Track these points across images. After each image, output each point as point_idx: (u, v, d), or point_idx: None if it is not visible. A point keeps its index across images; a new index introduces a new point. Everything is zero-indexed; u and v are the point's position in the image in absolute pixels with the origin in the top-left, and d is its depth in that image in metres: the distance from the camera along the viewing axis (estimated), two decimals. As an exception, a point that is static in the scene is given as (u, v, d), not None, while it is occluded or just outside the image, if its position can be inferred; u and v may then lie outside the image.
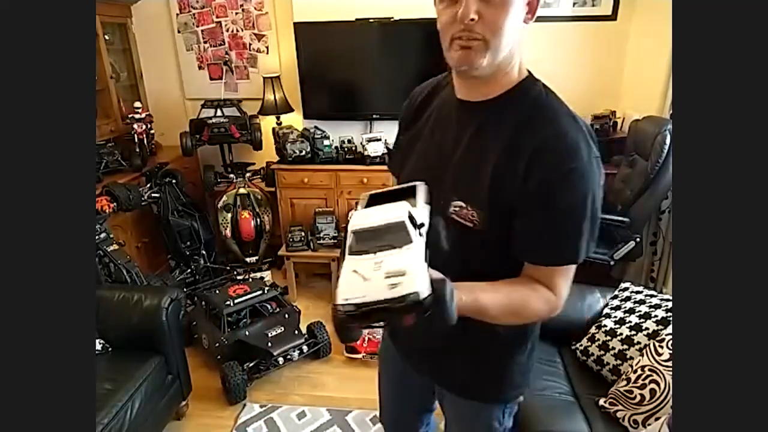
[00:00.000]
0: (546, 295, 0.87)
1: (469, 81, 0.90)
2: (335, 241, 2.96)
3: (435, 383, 1.18)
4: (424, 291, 0.65)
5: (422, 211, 0.77)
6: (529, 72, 0.92)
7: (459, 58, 0.83)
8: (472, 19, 0.79)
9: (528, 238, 0.87)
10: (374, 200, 0.83)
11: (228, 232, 3.20)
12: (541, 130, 0.84)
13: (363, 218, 0.75)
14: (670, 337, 1.48)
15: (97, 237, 2.44)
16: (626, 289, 1.87)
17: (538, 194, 0.83)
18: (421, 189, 0.84)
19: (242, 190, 3.23)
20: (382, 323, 0.72)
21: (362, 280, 0.68)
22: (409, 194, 0.82)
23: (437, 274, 0.71)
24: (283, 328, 2.38)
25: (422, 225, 0.74)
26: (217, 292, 2.54)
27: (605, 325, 1.72)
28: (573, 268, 0.89)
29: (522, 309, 0.87)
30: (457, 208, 0.90)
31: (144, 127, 3.02)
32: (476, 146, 0.90)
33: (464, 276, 0.81)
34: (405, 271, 0.66)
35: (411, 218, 0.73)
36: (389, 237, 0.71)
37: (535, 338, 1.06)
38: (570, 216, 0.84)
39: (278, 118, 3.25)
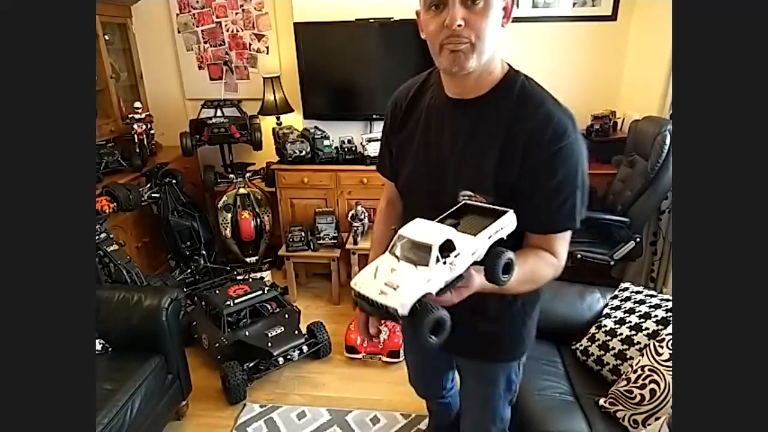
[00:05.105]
0: (550, 259, 0.98)
1: (458, 80, 0.97)
2: (335, 241, 2.97)
3: (462, 358, 1.28)
4: (402, 310, 0.73)
5: (472, 241, 0.81)
6: (509, 65, 1.00)
7: (450, 61, 0.91)
8: (459, 25, 0.86)
9: (530, 212, 0.94)
10: (461, 208, 0.93)
11: (228, 232, 3.20)
12: (532, 115, 0.93)
13: (414, 228, 0.82)
14: (670, 337, 1.47)
15: (97, 237, 2.44)
16: (626, 289, 1.87)
17: (536, 172, 0.93)
18: (506, 218, 0.87)
19: (242, 190, 3.23)
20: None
21: (373, 275, 0.79)
22: (495, 215, 0.88)
23: (437, 307, 0.75)
24: (283, 328, 2.38)
25: (458, 254, 0.79)
26: (217, 292, 2.54)
27: (605, 325, 1.72)
28: (569, 233, 1.00)
29: (534, 276, 0.97)
30: (465, 197, 0.98)
31: (144, 127, 3.02)
32: (475, 140, 0.99)
33: None
34: (398, 287, 0.75)
35: (446, 245, 0.78)
36: (416, 253, 0.78)
37: (539, 298, 1.20)
38: (564, 188, 0.94)
39: (278, 118, 3.25)
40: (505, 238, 0.87)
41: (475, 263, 0.83)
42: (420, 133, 1.07)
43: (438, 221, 0.88)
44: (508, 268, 0.82)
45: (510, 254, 0.82)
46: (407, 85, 1.14)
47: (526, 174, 0.94)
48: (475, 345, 1.17)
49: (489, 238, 0.84)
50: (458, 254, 0.79)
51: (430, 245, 0.77)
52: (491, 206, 0.91)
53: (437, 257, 0.77)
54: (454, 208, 0.93)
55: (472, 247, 0.81)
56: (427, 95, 1.08)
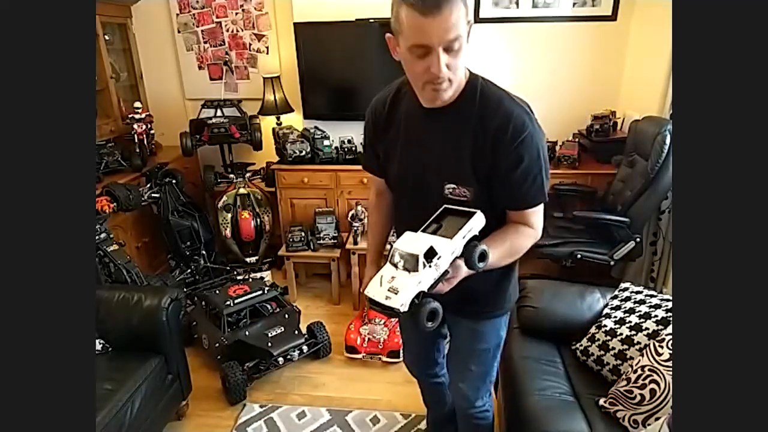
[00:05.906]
0: (527, 231, 1.17)
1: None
2: (335, 241, 2.97)
3: (453, 316, 1.38)
4: (402, 308, 0.96)
5: (448, 244, 1.01)
6: (468, 70, 1.13)
7: (432, 98, 1.08)
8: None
9: (506, 194, 1.14)
10: (443, 213, 1.11)
11: (228, 232, 3.20)
12: (494, 116, 1.09)
13: (405, 241, 1.03)
14: (670, 337, 1.47)
15: (97, 237, 2.44)
16: (626, 289, 1.87)
17: (506, 162, 1.09)
18: (475, 218, 1.07)
19: (242, 190, 3.23)
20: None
21: (379, 283, 1.01)
22: (468, 216, 1.07)
23: (431, 300, 0.99)
24: (283, 328, 2.38)
25: (440, 257, 1.00)
26: (217, 292, 2.54)
27: (605, 325, 1.72)
28: (542, 205, 1.17)
29: (513, 251, 1.17)
30: (450, 189, 1.16)
31: (144, 127, 3.02)
32: (450, 142, 1.15)
33: None
34: (398, 291, 0.97)
35: (429, 251, 0.99)
36: (409, 261, 0.99)
37: (518, 263, 1.35)
38: (531, 170, 1.10)
39: (278, 118, 3.25)
40: (477, 234, 1.07)
41: (457, 258, 1.03)
42: (402, 137, 1.22)
43: (425, 226, 1.08)
44: (483, 257, 1.02)
45: (482, 246, 1.02)
46: (383, 95, 1.28)
47: (497, 164, 1.10)
48: (464, 303, 1.26)
49: (463, 237, 1.03)
50: (440, 257, 1.00)
51: (417, 255, 0.98)
52: (465, 209, 1.09)
53: (423, 263, 0.98)
54: (437, 213, 1.11)
55: (450, 247, 1.01)
56: (403, 104, 1.22)
